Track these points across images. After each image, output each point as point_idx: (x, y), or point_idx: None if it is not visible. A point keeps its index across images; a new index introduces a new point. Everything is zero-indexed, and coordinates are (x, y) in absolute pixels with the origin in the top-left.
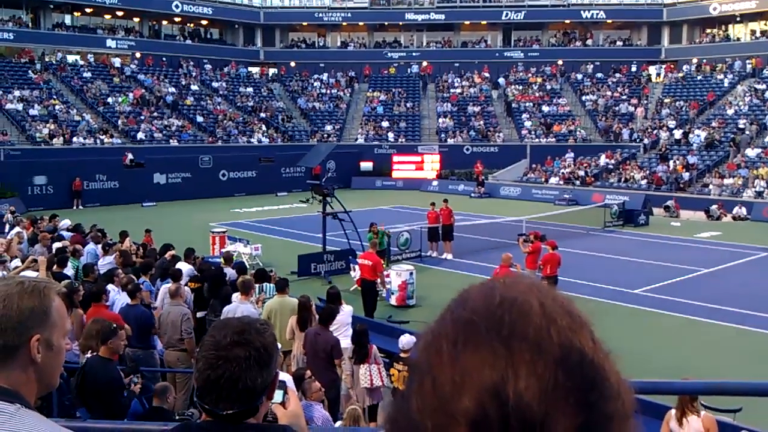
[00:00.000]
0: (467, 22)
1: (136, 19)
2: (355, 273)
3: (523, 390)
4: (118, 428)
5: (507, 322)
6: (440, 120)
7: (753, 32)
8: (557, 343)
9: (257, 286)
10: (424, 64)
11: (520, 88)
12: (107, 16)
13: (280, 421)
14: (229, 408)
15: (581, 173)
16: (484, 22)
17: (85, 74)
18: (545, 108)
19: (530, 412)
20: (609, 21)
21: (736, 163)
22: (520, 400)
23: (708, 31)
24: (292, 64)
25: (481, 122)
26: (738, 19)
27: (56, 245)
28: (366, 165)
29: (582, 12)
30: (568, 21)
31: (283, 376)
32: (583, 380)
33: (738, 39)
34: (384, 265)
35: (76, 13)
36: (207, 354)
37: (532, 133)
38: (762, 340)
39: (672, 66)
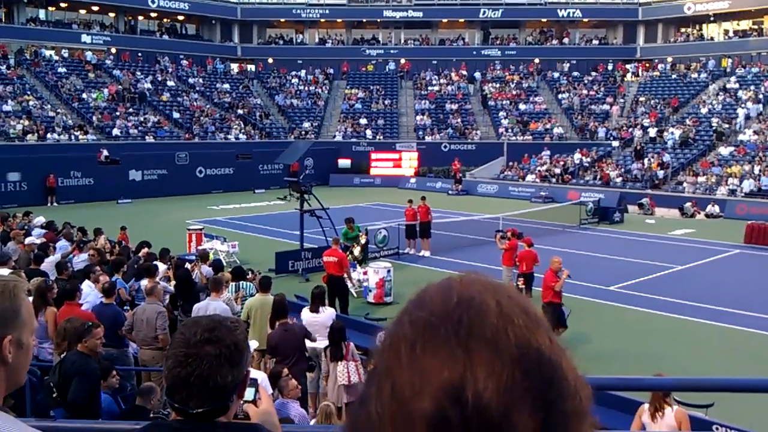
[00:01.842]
0: (445, 20)
1: (112, 14)
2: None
3: (482, 390)
4: (90, 428)
5: (465, 322)
6: (418, 117)
7: (726, 32)
8: (514, 343)
9: (233, 284)
10: (402, 61)
11: (498, 86)
12: (82, 11)
13: (252, 420)
14: (199, 406)
15: (557, 171)
16: (461, 20)
17: (59, 69)
18: (522, 106)
19: (489, 412)
20: (585, 20)
21: (710, 161)
22: (479, 401)
23: (682, 30)
24: (270, 60)
25: (459, 120)
26: (712, 18)
27: (28, 239)
28: (344, 162)
29: (558, 11)
30: (544, 19)
31: (255, 373)
32: (541, 379)
33: (712, 38)
34: (364, 262)
35: (50, 8)
36: (177, 351)
37: (509, 131)
38: (734, 336)
39: (647, 64)
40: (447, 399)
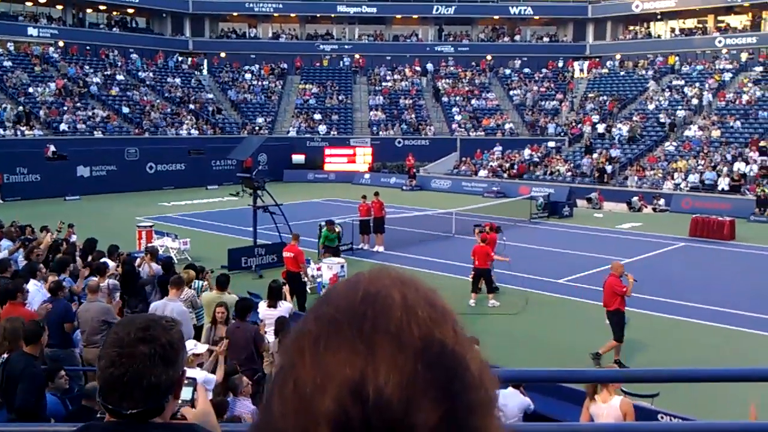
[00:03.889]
0: (399, 16)
1: (60, 7)
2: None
3: (383, 385)
4: (30, 431)
5: (369, 317)
6: (372, 113)
7: (673, 30)
8: (418, 336)
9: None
10: (356, 56)
11: (450, 81)
12: (29, 3)
13: (189, 420)
14: (133, 407)
15: (508, 166)
16: (415, 16)
17: (5, 63)
18: (474, 102)
19: (390, 407)
20: (536, 17)
21: (656, 156)
22: (380, 397)
23: (631, 28)
24: (222, 54)
25: (413, 115)
26: (659, 16)
27: None
28: (298, 158)
29: (510, 8)
30: (496, 17)
31: (193, 373)
32: (444, 371)
33: (659, 36)
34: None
35: None
36: (110, 351)
37: (462, 126)
38: (679, 327)
39: (596, 61)
40: (348, 396)
